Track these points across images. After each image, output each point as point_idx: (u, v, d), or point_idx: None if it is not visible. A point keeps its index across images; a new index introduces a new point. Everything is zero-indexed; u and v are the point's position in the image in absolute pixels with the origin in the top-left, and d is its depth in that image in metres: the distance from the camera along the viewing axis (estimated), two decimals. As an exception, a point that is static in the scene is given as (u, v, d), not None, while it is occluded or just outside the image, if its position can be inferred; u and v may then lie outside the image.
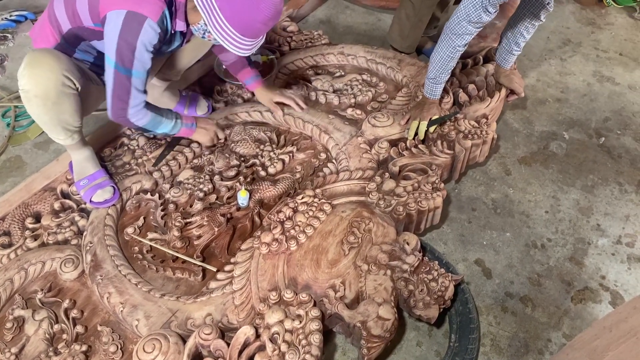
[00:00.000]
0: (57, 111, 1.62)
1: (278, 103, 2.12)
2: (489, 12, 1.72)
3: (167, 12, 1.55)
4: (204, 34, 1.65)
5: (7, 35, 2.71)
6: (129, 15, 1.49)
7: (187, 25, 1.66)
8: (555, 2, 3.17)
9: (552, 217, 2.05)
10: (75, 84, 1.60)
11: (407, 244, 1.66)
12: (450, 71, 1.94)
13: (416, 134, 2.01)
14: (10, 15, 2.78)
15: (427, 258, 1.67)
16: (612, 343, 1.14)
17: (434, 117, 2.02)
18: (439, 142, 1.98)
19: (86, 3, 1.56)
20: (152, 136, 2.05)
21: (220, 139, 2.01)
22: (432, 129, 2.02)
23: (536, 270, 1.88)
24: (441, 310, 1.58)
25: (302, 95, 2.23)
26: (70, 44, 1.67)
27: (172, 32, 1.65)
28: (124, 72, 1.55)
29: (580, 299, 1.80)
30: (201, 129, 1.90)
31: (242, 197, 1.80)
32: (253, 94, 2.19)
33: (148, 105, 1.70)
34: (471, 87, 2.20)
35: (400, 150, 1.97)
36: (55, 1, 1.64)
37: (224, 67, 2.15)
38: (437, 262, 1.65)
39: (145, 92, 1.65)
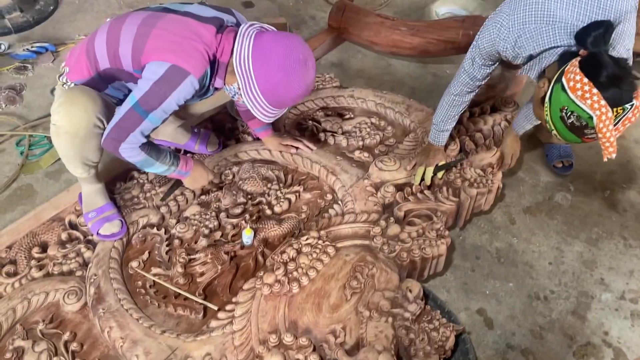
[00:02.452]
0: (82, 148, 1.66)
1: (287, 146, 2.16)
2: (475, 62, 1.76)
3: (208, 71, 1.58)
4: (235, 95, 1.68)
5: (27, 65, 2.78)
6: (172, 69, 1.50)
7: (224, 83, 1.69)
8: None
9: (555, 268, 2.04)
10: (104, 125, 1.64)
11: (410, 291, 1.66)
12: (452, 120, 1.97)
13: (422, 179, 2.03)
14: (32, 47, 2.86)
15: (429, 306, 1.67)
16: (613, 405, 1.13)
17: (440, 163, 2.04)
18: (444, 188, 2.00)
19: (130, 48, 1.56)
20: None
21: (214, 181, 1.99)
22: (440, 174, 2.04)
23: (538, 322, 1.86)
24: (441, 360, 1.57)
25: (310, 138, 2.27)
26: (105, 81, 1.67)
27: (210, 87, 1.68)
28: (140, 113, 1.55)
29: (582, 355, 1.78)
30: (190, 178, 1.84)
31: (247, 236, 1.82)
32: None
33: (147, 146, 1.65)
34: (478, 135, 2.23)
35: (406, 195, 1.99)
36: (97, 39, 1.63)
37: (236, 107, 2.19)
38: (439, 311, 1.65)
39: (147, 137, 1.64)
